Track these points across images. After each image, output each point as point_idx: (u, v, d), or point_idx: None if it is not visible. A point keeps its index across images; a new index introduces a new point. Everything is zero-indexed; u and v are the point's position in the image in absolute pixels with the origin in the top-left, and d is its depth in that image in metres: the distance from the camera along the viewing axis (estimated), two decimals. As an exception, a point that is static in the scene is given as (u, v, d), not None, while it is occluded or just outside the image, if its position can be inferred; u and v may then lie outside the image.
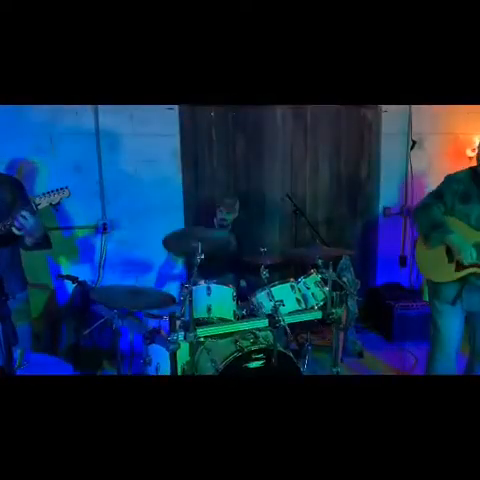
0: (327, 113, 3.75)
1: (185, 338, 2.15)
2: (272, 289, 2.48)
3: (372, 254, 4.11)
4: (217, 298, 2.39)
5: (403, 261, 4.13)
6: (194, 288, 2.40)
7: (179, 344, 2.15)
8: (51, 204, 1.79)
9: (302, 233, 3.84)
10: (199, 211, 3.53)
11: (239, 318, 2.47)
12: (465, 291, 2.17)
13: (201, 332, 2.21)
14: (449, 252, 2.19)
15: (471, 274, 2.13)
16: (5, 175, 2.17)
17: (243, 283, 3.22)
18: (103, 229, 3.32)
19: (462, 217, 2.13)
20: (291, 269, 3.40)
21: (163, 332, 2.32)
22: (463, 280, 2.15)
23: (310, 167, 3.82)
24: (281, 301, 2.33)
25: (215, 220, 3.24)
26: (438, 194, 2.21)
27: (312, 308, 2.65)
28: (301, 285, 2.77)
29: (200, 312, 2.34)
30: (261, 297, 2.53)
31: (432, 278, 2.31)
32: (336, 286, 3.33)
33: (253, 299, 2.59)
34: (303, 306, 2.61)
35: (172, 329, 2.13)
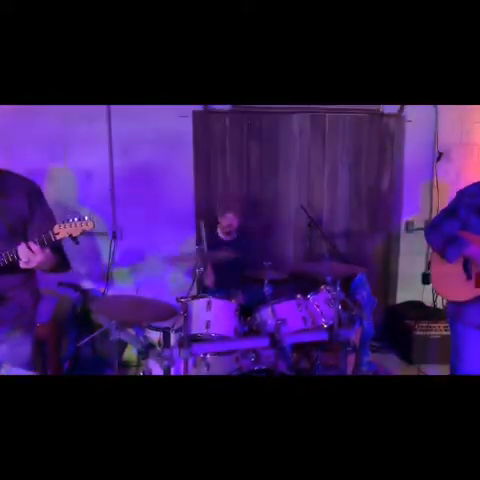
0: (347, 121, 3.60)
1: (179, 355, 2.06)
2: (276, 306, 2.37)
3: (392, 270, 3.90)
4: (217, 313, 2.29)
5: (426, 278, 3.90)
6: (194, 302, 2.33)
7: (173, 360, 2.07)
8: (71, 236, 1.53)
9: (318, 246, 3.70)
10: (211, 220, 3.44)
11: (241, 335, 2.36)
12: None
13: (196, 349, 2.12)
14: (466, 268, 2.06)
15: None
16: (23, 178, 1.71)
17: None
18: (113, 237, 3.30)
19: (478, 231, 2.01)
20: (303, 284, 3.25)
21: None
22: None
23: (328, 177, 3.68)
24: (284, 320, 2.21)
25: (219, 230, 3.15)
26: (451, 211, 2.11)
27: (320, 327, 2.52)
28: (310, 302, 2.64)
29: (198, 327, 2.24)
30: (265, 314, 2.42)
31: (451, 298, 2.17)
32: (352, 305, 3.18)
33: (257, 315, 2.47)
34: (309, 325, 2.47)
35: (166, 344, 2.06)
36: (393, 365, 3.51)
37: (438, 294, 2.24)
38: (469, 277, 2.05)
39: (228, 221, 3.10)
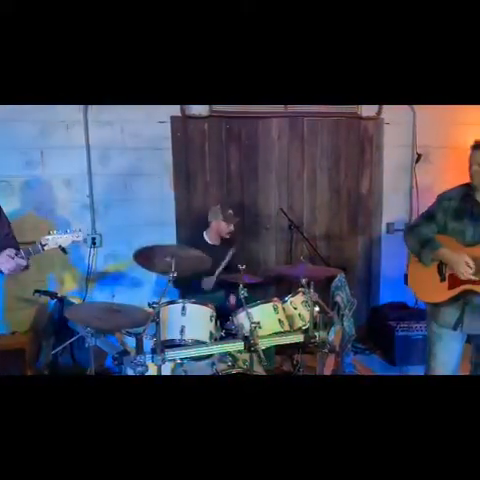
0: (325, 125, 3.63)
1: (153, 360, 2.05)
2: (251, 309, 2.36)
3: (375, 272, 3.92)
4: (192, 318, 2.28)
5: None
6: (168, 307, 2.32)
7: (147, 366, 2.06)
8: (60, 247, 1.59)
9: (300, 249, 3.72)
10: (192, 226, 3.44)
11: (216, 339, 2.35)
12: (467, 314, 2.04)
13: (171, 355, 2.11)
14: (440, 270, 2.08)
15: (466, 291, 2.00)
16: None
17: None
18: (92, 243, 3.28)
19: (456, 235, 2.04)
20: (281, 287, 3.27)
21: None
22: (463, 302, 2.03)
23: (307, 181, 3.70)
24: (258, 323, 2.20)
25: (207, 236, 3.14)
26: (429, 215, 2.14)
27: (298, 330, 2.52)
28: (287, 305, 2.64)
29: (173, 333, 2.23)
30: (241, 318, 2.41)
31: (426, 299, 2.21)
32: (333, 306, 3.19)
33: (234, 319, 2.47)
34: (286, 328, 2.47)
35: (139, 351, 2.04)
36: (376, 366, 3.51)
37: (416, 297, 2.28)
38: (443, 279, 2.07)
39: (231, 228, 3.09)
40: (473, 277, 1.94)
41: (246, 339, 2.17)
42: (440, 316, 2.11)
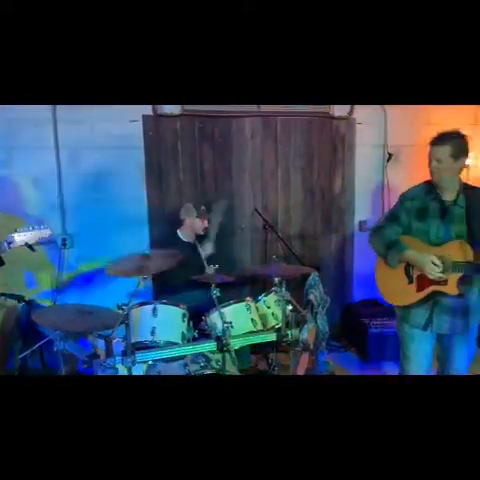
0: (298, 125, 3.65)
1: (123, 363, 2.02)
2: (224, 309, 2.36)
3: (348, 269, 3.97)
4: (164, 319, 2.26)
5: (380, 277, 3.99)
6: (139, 309, 2.29)
7: (116, 369, 2.03)
8: (27, 244, 1.55)
9: (275, 248, 3.73)
10: (165, 225, 3.40)
11: (189, 340, 2.34)
12: (435, 314, 2.04)
13: (141, 357, 2.08)
14: (408, 272, 2.08)
15: (434, 293, 2.00)
16: None
17: None
18: (62, 244, 3.21)
19: (421, 235, 2.03)
20: (255, 286, 3.27)
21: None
22: (432, 302, 2.03)
23: (281, 180, 3.71)
24: (230, 323, 2.20)
25: (181, 233, 3.12)
26: (392, 216, 2.12)
27: (271, 328, 2.53)
28: (260, 304, 2.66)
29: (144, 335, 2.21)
30: (214, 318, 2.40)
31: (395, 303, 2.18)
32: (306, 305, 3.20)
33: (207, 320, 2.46)
34: (259, 327, 2.48)
35: (108, 353, 2.01)
36: (350, 364, 3.56)
37: (385, 300, 2.22)
38: (410, 281, 2.06)
39: (205, 224, 3.09)
40: (441, 275, 1.93)
41: (218, 339, 2.16)
42: (410, 317, 2.10)
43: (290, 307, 2.65)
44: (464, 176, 3.87)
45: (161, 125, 3.36)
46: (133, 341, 2.19)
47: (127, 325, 1.97)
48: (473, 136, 4.00)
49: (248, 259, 3.70)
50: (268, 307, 2.65)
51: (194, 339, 2.37)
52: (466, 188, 2.00)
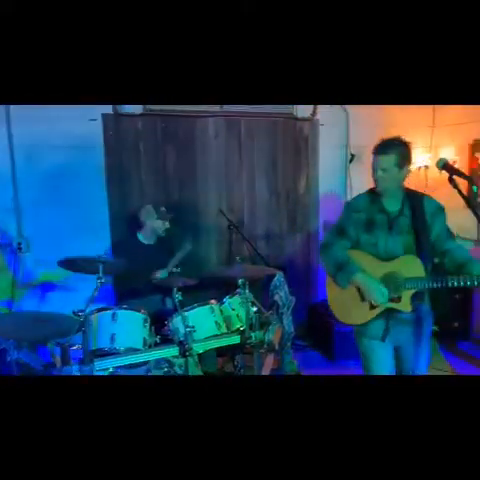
0: (262, 125, 3.65)
1: (80, 371, 1.95)
2: (187, 313, 2.32)
3: (313, 269, 4.01)
4: (124, 325, 2.20)
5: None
6: (98, 315, 2.22)
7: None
8: None
9: (240, 249, 3.72)
10: (127, 228, 3.32)
11: (151, 346, 2.28)
12: (391, 325, 1.92)
13: (100, 364, 2.01)
14: (360, 291, 1.94)
15: (387, 310, 1.89)
16: None
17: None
18: (18, 248, 3.07)
19: (369, 248, 1.92)
20: (220, 288, 3.23)
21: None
22: (387, 315, 1.91)
23: (246, 180, 3.70)
24: (193, 327, 2.16)
25: (142, 236, 3.04)
26: (339, 229, 1.99)
27: (236, 331, 2.51)
28: (225, 306, 2.63)
29: (103, 341, 2.14)
30: (176, 322, 2.36)
31: (348, 322, 2.03)
32: (271, 305, 3.20)
33: (170, 324, 2.41)
34: (223, 330, 2.45)
35: (64, 362, 1.93)
36: (316, 363, 3.59)
37: (337, 318, 2.06)
38: (363, 299, 1.92)
39: (166, 225, 3.01)
40: (389, 304, 1.85)
41: (181, 344, 2.12)
42: (367, 330, 1.96)
43: (255, 308, 2.64)
44: (422, 178, 4.05)
45: (122, 124, 3.28)
46: (92, 348, 2.13)
47: (84, 332, 1.90)
48: (431, 137, 4.16)
49: (213, 261, 3.67)
50: (233, 309, 2.63)
51: (156, 344, 2.31)
52: (408, 194, 1.93)
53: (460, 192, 1.55)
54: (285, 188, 3.84)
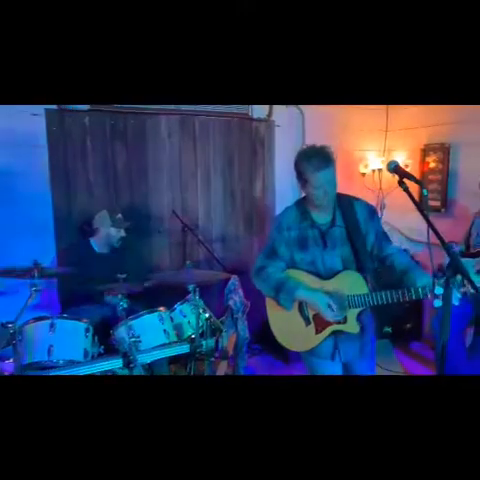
0: (217, 125, 3.56)
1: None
2: (133, 322, 2.18)
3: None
4: (62, 336, 2.04)
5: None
6: (34, 325, 2.05)
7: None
8: None
9: (195, 252, 3.61)
10: (75, 232, 3.12)
11: (93, 357, 2.13)
12: (340, 343, 1.83)
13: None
14: (302, 312, 1.82)
15: (334, 332, 1.80)
16: None
17: None
18: None
19: (307, 266, 1.79)
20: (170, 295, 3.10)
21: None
22: (335, 336, 1.82)
23: (201, 182, 3.60)
24: (138, 336, 2.03)
25: (95, 243, 2.85)
26: (271, 251, 1.83)
27: (188, 338, 2.40)
28: (176, 313, 2.51)
29: (39, 354, 1.96)
30: (121, 332, 2.21)
31: (295, 349, 1.91)
32: (225, 311, 3.11)
33: (115, 333, 2.26)
34: (173, 338, 2.34)
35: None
36: (271, 367, 3.54)
37: (282, 345, 1.95)
38: (308, 323, 1.81)
39: (121, 234, 2.81)
40: (339, 318, 1.76)
41: (125, 355, 1.98)
42: (316, 351, 1.85)
43: (207, 315, 2.54)
44: (376, 180, 4.11)
45: (66, 120, 3.08)
46: (27, 362, 1.95)
47: (14, 345, 1.73)
48: (385, 141, 4.23)
49: (167, 264, 3.54)
50: (184, 316, 2.52)
51: (100, 355, 2.16)
52: (338, 201, 1.79)
53: (410, 195, 1.53)
54: (241, 189, 3.77)
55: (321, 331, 1.78)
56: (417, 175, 4.08)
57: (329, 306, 1.72)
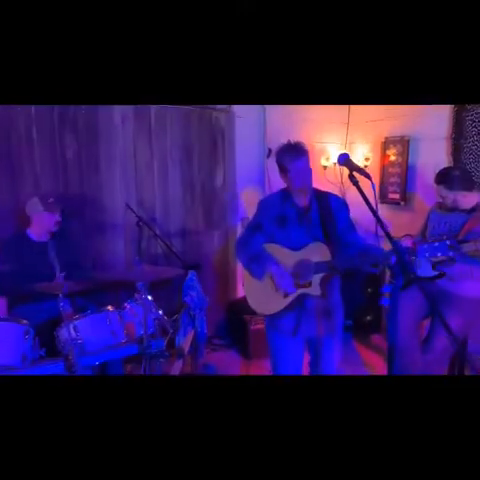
0: (174, 115, 3.42)
1: None
2: (77, 322, 2.06)
3: (231, 266, 3.88)
4: (-3, 340, 1.89)
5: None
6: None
7: None
8: None
9: (154, 246, 3.48)
10: (17, 224, 2.92)
11: (34, 361, 1.99)
12: (303, 318, 2.00)
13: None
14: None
15: (300, 296, 1.96)
16: None
17: None
18: None
19: (283, 241, 2.01)
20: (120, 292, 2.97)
21: None
22: (299, 308, 2.00)
23: (158, 173, 3.46)
24: (80, 338, 1.91)
25: (31, 232, 2.68)
26: (255, 224, 2.08)
27: (139, 338, 2.29)
28: (126, 312, 2.39)
29: (-31, 361, 1.81)
30: (65, 333, 2.08)
31: (264, 312, 2.11)
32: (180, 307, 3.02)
33: (59, 335, 2.13)
34: (122, 338, 2.22)
35: None
36: (233, 362, 3.48)
37: (255, 310, 2.11)
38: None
39: (56, 217, 2.66)
40: (301, 291, 1.94)
41: (66, 358, 1.86)
42: (279, 324, 2.05)
43: (160, 312, 2.44)
44: (338, 173, 4.09)
45: (10, 108, 2.87)
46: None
47: None
48: (347, 134, 4.21)
49: (122, 260, 3.39)
50: (135, 315, 2.40)
51: (41, 359, 2.02)
52: (315, 193, 2.04)
53: (359, 189, 1.48)
54: (201, 182, 3.66)
55: (289, 295, 1.97)
56: (378, 168, 4.10)
57: (288, 284, 1.92)
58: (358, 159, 4.05)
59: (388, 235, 1.40)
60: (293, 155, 1.92)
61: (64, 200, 2.85)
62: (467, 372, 2.74)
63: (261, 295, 2.05)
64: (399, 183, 3.82)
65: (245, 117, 3.71)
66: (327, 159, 4.06)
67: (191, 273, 3.04)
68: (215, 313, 3.73)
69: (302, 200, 2.01)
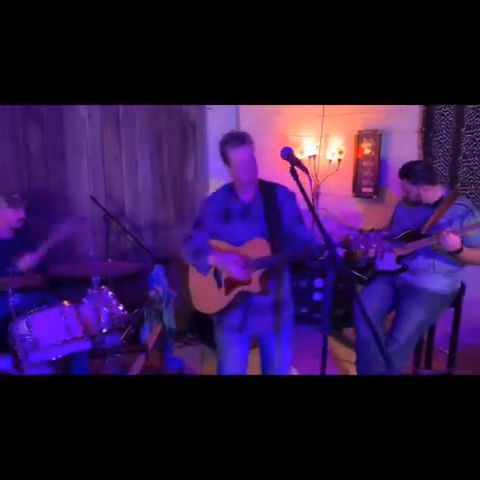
0: (143, 106, 3.37)
1: None
2: (29, 317, 2.03)
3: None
4: None
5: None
6: None
7: None
8: None
9: (124, 240, 3.45)
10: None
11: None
12: (249, 315, 1.97)
13: None
14: (217, 276, 2.00)
15: (243, 293, 1.93)
16: None
17: None
18: None
19: (227, 237, 1.97)
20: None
21: None
22: (245, 305, 1.97)
23: (127, 166, 3.42)
24: (29, 334, 1.88)
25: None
26: (197, 223, 2.04)
27: (97, 333, 2.26)
28: (84, 307, 2.37)
29: None
30: (19, 328, 2.05)
31: (206, 311, 2.08)
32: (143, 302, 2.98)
33: (12, 331, 2.09)
34: (77, 334, 2.20)
35: None
36: (201, 356, 3.47)
37: (200, 310, 2.10)
38: (219, 285, 1.98)
39: (20, 214, 2.61)
40: (240, 288, 1.91)
41: (14, 354, 1.83)
42: (225, 321, 2.03)
43: (121, 308, 2.42)
44: (312, 166, 4.07)
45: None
46: None
47: None
48: (322, 127, 4.19)
49: (91, 252, 3.34)
50: (94, 310, 2.37)
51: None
52: (260, 185, 1.98)
53: (298, 183, 1.46)
54: (171, 175, 3.62)
55: (229, 292, 1.94)
56: (352, 161, 4.10)
57: (235, 262, 1.85)
58: (333, 152, 4.04)
59: (321, 228, 1.38)
60: (234, 145, 1.87)
61: (29, 194, 2.81)
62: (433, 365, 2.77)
63: (204, 292, 2.03)
64: (372, 177, 3.82)
65: (217, 108, 3.67)
66: (301, 152, 4.04)
67: (157, 267, 3.01)
68: (187, 307, 3.71)
69: (246, 194, 1.95)
